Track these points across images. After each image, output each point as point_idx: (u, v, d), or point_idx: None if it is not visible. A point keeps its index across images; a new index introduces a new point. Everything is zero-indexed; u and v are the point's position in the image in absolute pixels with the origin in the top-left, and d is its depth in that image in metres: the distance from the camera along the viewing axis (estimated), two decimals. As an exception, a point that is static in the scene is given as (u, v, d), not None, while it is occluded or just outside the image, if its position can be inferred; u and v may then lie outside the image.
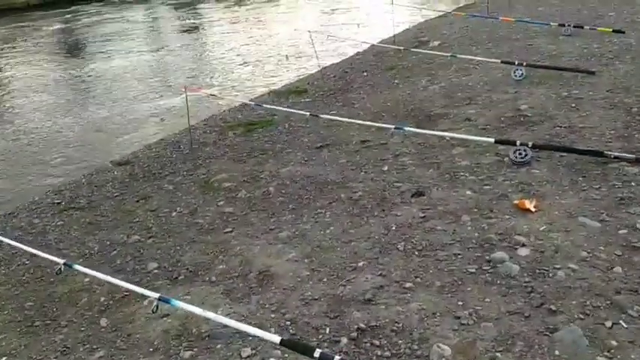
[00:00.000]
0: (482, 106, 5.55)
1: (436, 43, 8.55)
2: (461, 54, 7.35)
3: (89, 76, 12.82)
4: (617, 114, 4.82)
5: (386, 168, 4.43)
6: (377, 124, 4.76)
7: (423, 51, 7.32)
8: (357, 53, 9.77)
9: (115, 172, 5.36)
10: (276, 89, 7.96)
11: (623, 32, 7.32)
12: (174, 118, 7.68)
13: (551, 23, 7.87)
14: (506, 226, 3.32)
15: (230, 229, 3.77)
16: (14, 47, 17.75)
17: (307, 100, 7.03)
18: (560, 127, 4.73)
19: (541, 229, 3.24)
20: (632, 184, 3.63)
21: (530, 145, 4.16)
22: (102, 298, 3.17)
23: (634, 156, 3.92)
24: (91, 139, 7.66)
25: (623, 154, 3.95)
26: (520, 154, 4.14)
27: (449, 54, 6.88)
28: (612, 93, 5.34)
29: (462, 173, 4.12)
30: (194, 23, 20.83)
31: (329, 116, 4.96)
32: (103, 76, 12.50)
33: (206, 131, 6.27)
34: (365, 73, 7.71)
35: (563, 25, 7.71)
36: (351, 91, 7.04)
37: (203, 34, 17.97)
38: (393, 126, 4.52)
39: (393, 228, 3.48)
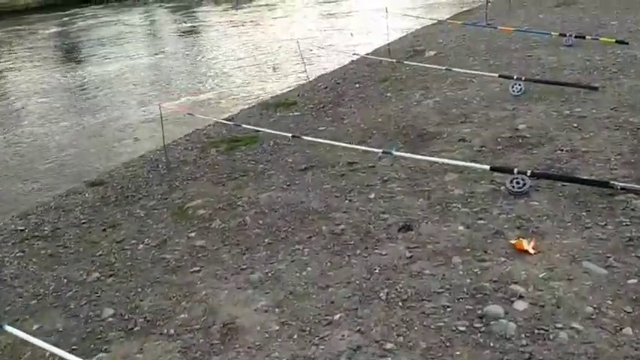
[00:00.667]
0: (478, 124, 5.18)
1: (432, 52, 8.18)
2: (457, 66, 6.98)
3: (84, 80, 12.60)
4: (622, 136, 4.45)
5: (373, 195, 4.05)
6: (363, 148, 4.38)
7: (417, 64, 6.94)
8: (351, 62, 9.39)
9: (87, 195, 4.98)
10: (265, 100, 7.59)
11: (627, 43, 6.96)
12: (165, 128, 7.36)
13: (552, 33, 7.50)
14: (502, 272, 2.94)
15: (198, 268, 3.40)
16: (10, 51, 17.42)
17: (296, 113, 6.65)
18: (562, 150, 4.35)
19: (540, 275, 2.86)
20: (642, 221, 3.25)
21: (528, 174, 3.78)
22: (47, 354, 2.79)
23: (643, 188, 3.54)
24: (82, 148, 7.46)
25: (631, 186, 3.57)
26: (517, 183, 3.76)
27: (444, 67, 6.50)
28: (617, 111, 4.97)
29: (454, 204, 3.74)
30: (190, 27, 20.51)
31: (312, 138, 4.58)
32: (98, 81, 12.23)
33: (188, 147, 5.90)
34: (357, 85, 7.33)
35: (564, 35, 7.34)
36: (342, 105, 6.67)
37: (198, 39, 17.64)
38: (381, 150, 4.14)
39: (377, 270, 3.11)
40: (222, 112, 8.32)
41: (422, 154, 4.65)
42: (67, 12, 27.13)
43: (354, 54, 7.43)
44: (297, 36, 15.02)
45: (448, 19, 10.76)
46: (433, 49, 8.33)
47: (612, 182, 3.62)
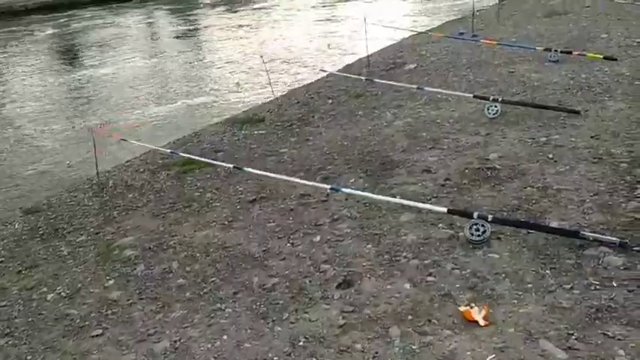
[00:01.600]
0: (447, 151, 4.66)
1: (412, 65, 7.66)
2: (436, 80, 6.53)
3: (79, 83, 12.37)
4: (601, 171, 3.93)
5: (318, 239, 3.54)
6: (310, 183, 3.87)
7: (387, 82, 6.41)
8: (329, 75, 8.89)
9: (17, 225, 4.49)
10: (235, 115, 7.08)
11: (615, 59, 6.43)
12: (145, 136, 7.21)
13: (537, 47, 6.96)
14: (444, 351, 2.44)
15: (101, 331, 2.90)
16: (5, 52, 17.03)
17: (261, 131, 6.14)
18: (533, 187, 3.84)
19: (489, 358, 2.35)
20: (614, 284, 2.74)
21: (489, 220, 3.27)
22: None
23: (618, 239, 3.03)
24: (67, 154, 7.14)
25: (605, 237, 3.06)
26: (477, 230, 3.25)
27: (415, 85, 5.97)
28: (598, 140, 4.45)
29: (404, 254, 3.23)
30: (185, 30, 20.02)
31: (253, 170, 4.05)
32: (92, 84, 11.93)
33: (139, 169, 5.40)
34: (330, 101, 6.82)
35: (550, 50, 6.80)
36: (311, 123, 6.15)
37: (190, 44, 17.16)
38: (329, 186, 3.64)
39: (301, 343, 2.61)
40: (194, 125, 7.89)
41: (381, 185, 4.16)
42: (65, 13, 26.69)
43: (322, 70, 6.91)
44: (284, 43, 14.63)
45: (433, 29, 10.25)
46: (414, 62, 7.80)
47: (583, 233, 3.11)
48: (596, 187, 3.72)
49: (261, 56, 6.77)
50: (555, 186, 3.79)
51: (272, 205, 4.14)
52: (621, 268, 2.86)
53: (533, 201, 3.65)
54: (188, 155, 4.78)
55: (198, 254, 3.55)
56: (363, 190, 4.10)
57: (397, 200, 3.54)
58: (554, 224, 3.34)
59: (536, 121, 4.98)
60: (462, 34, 9.40)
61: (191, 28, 20.68)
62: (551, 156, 4.26)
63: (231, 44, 15.95)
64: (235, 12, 24.11)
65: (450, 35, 8.33)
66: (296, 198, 4.18)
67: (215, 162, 4.30)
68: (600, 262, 2.92)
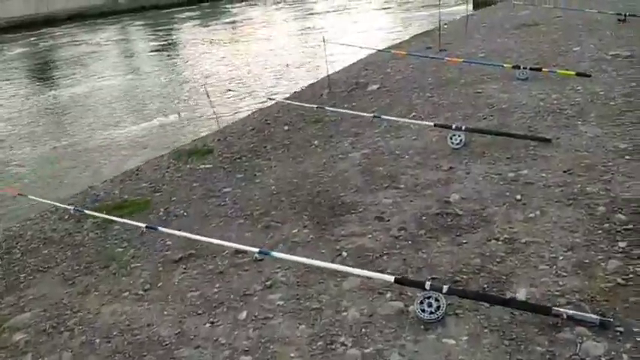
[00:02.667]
0: (404, 191, 4.06)
1: (375, 86, 7.07)
2: (398, 103, 5.95)
3: (50, 103, 12.13)
4: (576, 216, 3.34)
5: (244, 315, 2.91)
6: (237, 246, 3.23)
7: (340, 110, 5.79)
8: (295, 93, 8.30)
9: None
10: (182, 146, 6.43)
11: (589, 76, 5.89)
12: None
13: (504, 65, 6.41)
14: None
15: None
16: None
17: (207, 165, 5.50)
18: (498, 239, 3.23)
19: None
20: (595, 384, 2.14)
21: (444, 291, 2.66)
22: None
23: (597, 317, 2.43)
24: (37, 176, 7.24)
25: (582, 315, 2.45)
26: (430, 304, 2.63)
27: (372, 114, 5.36)
28: (571, 175, 3.87)
29: (342, 339, 2.61)
30: (159, 46, 19.39)
31: (167, 230, 3.39)
32: (64, 104, 11.76)
33: (63, 217, 4.73)
34: (286, 127, 6.20)
35: (518, 68, 6.24)
36: (262, 155, 5.53)
37: (164, 60, 16.57)
38: (257, 250, 3.00)
39: None
40: (164, 145, 7.48)
41: (327, 237, 3.53)
42: (35, 32, 25.87)
43: (270, 98, 6.28)
44: (251, 61, 14.08)
45: (401, 43, 9.71)
46: (377, 82, 7.22)
47: (556, 309, 2.50)
48: (570, 238, 3.13)
49: (204, 85, 6.11)
50: (524, 238, 3.19)
51: (199, 267, 3.49)
52: (604, 358, 2.26)
53: (498, 259, 3.05)
54: (92, 213, 4.07)
55: (97, 340, 2.89)
56: (305, 242, 3.49)
57: (336, 267, 2.91)
58: (521, 292, 2.73)
59: (504, 152, 4.40)
60: (429, 48, 8.87)
61: (164, 43, 20.07)
62: (519, 197, 3.66)
63: (203, 60, 15.42)
64: (207, 26, 23.51)
65: (412, 53, 7.72)
66: (229, 256, 3.54)
67: (127, 221, 3.60)
68: (577, 349, 2.32)
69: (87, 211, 4.00)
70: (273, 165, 5.18)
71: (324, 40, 6.90)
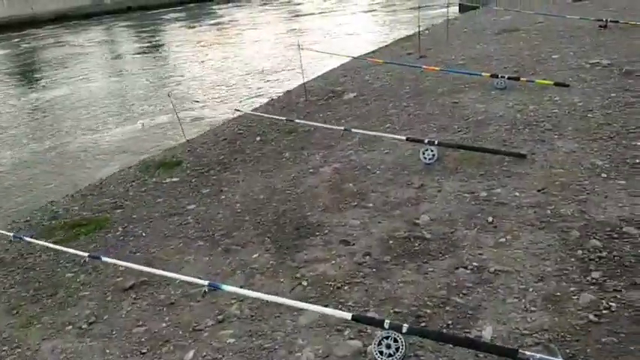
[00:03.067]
0: (373, 211, 3.84)
1: (352, 95, 6.85)
2: (372, 115, 5.72)
3: (32, 106, 11.88)
4: (549, 242, 3.14)
5: (190, 356, 2.67)
6: (185, 278, 2.98)
7: (309, 123, 5.55)
8: (271, 101, 8.06)
9: None
10: (151, 157, 6.16)
11: (567, 85, 5.73)
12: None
13: (483, 73, 6.21)
14: None
15: None
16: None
17: (175, 179, 5.25)
18: (466, 268, 3.03)
19: None
20: None
21: (404, 330, 2.44)
22: None
23: (567, 363, 2.22)
24: (15, 183, 7.08)
25: (550, 359, 2.24)
26: (388, 345, 2.41)
27: (342, 127, 5.13)
28: (546, 195, 3.67)
29: (292, 385, 2.38)
30: (144, 48, 19.06)
31: (112, 260, 3.12)
32: (49, 106, 11.53)
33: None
34: (259, 138, 5.96)
35: (497, 76, 6.05)
36: (231, 168, 5.29)
37: (149, 62, 16.27)
38: (207, 283, 2.76)
39: None
40: (129, 157, 7.24)
41: (288, 262, 3.31)
42: (19, 33, 25.40)
43: (236, 110, 6.02)
44: (231, 65, 13.84)
45: (381, 48, 9.50)
46: (354, 90, 7.00)
47: (522, 352, 2.29)
48: (541, 267, 2.93)
49: (169, 95, 5.84)
50: (493, 266, 2.99)
51: (150, 296, 3.25)
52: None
53: (465, 290, 2.84)
54: (32, 241, 3.78)
55: (31, 384, 2.64)
56: (265, 269, 3.26)
57: (291, 303, 2.68)
58: (487, 330, 2.52)
59: (477, 168, 4.20)
60: (409, 54, 8.68)
61: (149, 45, 19.74)
62: (490, 219, 3.46)
63: (187, 62, 15.14)
64: (192, 27, 23.20)
65: (389, 61, 7.51)
66: (182, 284, 3.29)
67: (65, 249, 3.31)
68: (545, 402, 2.11)
69: (27, 239, 3.72)
70: (241, 179, 4.95)
71: (299, 47, 6.64)
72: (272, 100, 8.04)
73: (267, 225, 3.92)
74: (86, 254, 3.08)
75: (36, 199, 6.35)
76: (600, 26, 8.17)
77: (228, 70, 13.43)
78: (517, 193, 3.74)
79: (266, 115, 5.89)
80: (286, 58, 13.21)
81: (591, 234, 3.15)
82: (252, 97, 10.30)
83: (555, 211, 3.45)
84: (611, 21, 8.14)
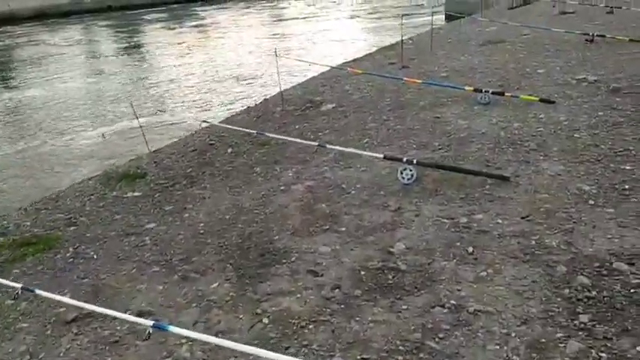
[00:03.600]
0: (345, 236, 3.57)
1: (330, 106, 6.60)
2: (349, 129, 5.47)
3: (6, 106, 11.59)
4: (533, 278, 2.91)
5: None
6: (128, 318, 2.67)
7: (281, 137, 5.27)
8: (247, 109, 7.77)
9: None
10: (114, 169, 5.82)
11: (553, 102, 5.55)
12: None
13: (466, 87, 6.00)
14: None
15: None
16: None
17: (137, 193, 4.94)
18: (443, 306, 2.77)
19: None
20: None
21: (371, 385, 2.16)
22: None
23: None
24: None
25: None
26: (353, 402, 2.13)
27: (316, 143, 4.85)
28: (530, 222, 3.45)
29: None
30: (123, 48, 18.65)
31: (48, 295, 2.77)
32: (22, 107, 11.23)
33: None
34: (230, 150, 5.67)
35: (480, 91, 5.85)
36: (198, 182, 5.00)
37: (128, 62, 15.87)
38: (151, 323, 2.45)
39: None
40: (99, 163, 6.94)
41: (249, 294, 3.02)
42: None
43: (204, 122, 5.71)
44: (205, 70, 13.53)
45: (360, 58, 9.28)
46: (333, 101, 6.75)
47: (503, 414, 2.03)
48: (525, 308, 2.68)
49: (131, 104, 5.52)
50: (472, 305, 2.74)
51: (93, 332, 2.93)
52: None
53: (441, 334, 2.58)
54: None
55: None
56: (223, 302, 2.97)
57: (244, 349, 2.38)
58: (465, 384, 2.26)
59: (458, 191, 3.96)
60: (392, 64, 8.47)
61: (128, 46, 19.32)
62: (470, 250, 3.22)
63: (167, 63, 14.80)
64: (173, 29, 22.83)
65: (370, 72, 7.27)
66: (127, 325, 2.97)
67: (3, 280, 2.97)
68: None
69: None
70: (207, 196, 4.65)
71: (275, 54, 6.37)
72: (248, 108, 7.75)
73: (230, 249, 3.63)
74: (19, 285, 2.74)
75: (2, 205, 6.06)
76: (587, 40, 8.05)
77: (206, 74, 13.12)
78: (499, 220, 3.51)
79: (234, 128, 5.57)
80: (266, 64, 12.91)
81: (579, 270, 2.92)
82: (229, 104, 10.02)
83: (540, 242, 3.22)
84: (597, 35, 8.03)
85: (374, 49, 12.04)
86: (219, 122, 6.49)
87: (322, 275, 3.17)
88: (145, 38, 21.33)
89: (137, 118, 5.25)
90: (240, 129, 5.50)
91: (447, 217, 3.63)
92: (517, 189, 3.89)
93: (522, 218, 3.51)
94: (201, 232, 3.96)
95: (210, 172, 5.19)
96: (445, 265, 3.10)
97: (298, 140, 4.90)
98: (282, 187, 4.51)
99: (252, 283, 3.18)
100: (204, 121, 5.57)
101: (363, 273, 3.13)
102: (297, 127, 6.06)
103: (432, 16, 10.80)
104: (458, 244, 3.31)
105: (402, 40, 8.38)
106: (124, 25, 24.79)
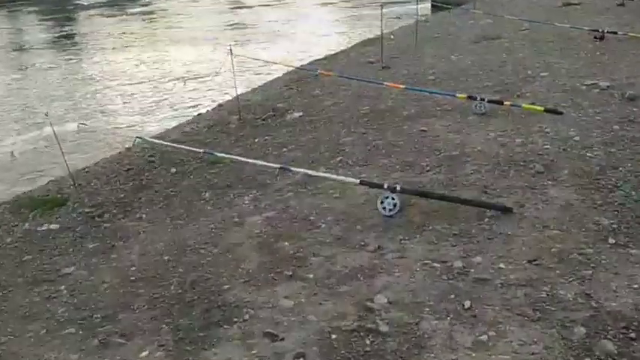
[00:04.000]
0: (313, 284, 3.34)
1: (297, 114, 6.39)
2: (320, 145, 5.26)
3: None
4: (546, 342, 2.70)
5: None
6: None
7: (235, 157, 4.95)
8: (198, 117, 7.49)
9: None
10: (26, 193, 5.46)
11: (561, 113, 5.45)
12: None
13: (458, 94, 5.86)
14: None
15: None
16: None
17: (53, 225, 4.61)
18: (434, 385, 2.52)
19: None
20: None
21: None
22: None
23: None
24: None
25: None
26: None
27: (278, 165, 4.57)
28: (539, 268, 3.26)
29: None
30: (55, 39, 18.15)
31: None
32: None
33: None
34: (174, 170, 5.37)
35: (475, 99, 5.71)
36: (133, 211, 4.71)
37: (60, 56, 15.36)
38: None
39: None
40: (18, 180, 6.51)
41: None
42: None
43: (139, 137, 5.38)
44: (138, 73, 13.20)
45: (333, 56, 9.12)
46: (300, 108, 6.55)
47: None
48: (538, 387, 2.46)
49: (46, 114, 5.19)
50: (471, 383, 2.50)
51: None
52: None
53: None
54: None
55: None
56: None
57: None
58: None
59: (450, 225, 3.76)
60: (370, 63, 8.31)
61: (60, 35, 18.81)
62: (468, 304, 3.00)
63: (104, 58, 14.39)
64: (113, 16, 22.40)
65: (343, 76, 7.07)
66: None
67: None
68: None
69: None
70: (142, 229, 4.36)
71: (230, 52, 6.11)
72: (199, 115, 7.48)
73: (167, 303, 3.34)
74: None
75: None
76: (595, 37, 8.05)
77: (151, 71, 12.75)
78: (502, 265, 3.31)
79: (175, 146, 5.26)
80: (222, 60, 12.63)
81: (601, 331, 2.72)
82: (175, 110, 9.65)
83: (553, 294, 3.02)
84: (608, 32, 8.02)
85: (350, 43, 11.92)
86: (159, 135, 6.18)
87: (282, 339, 2.90)
88: (79, 27, 20.84)
89: (53, 129, 4.86)
90: (181, 147, 5.18)
91: (437, 259, 3.42)
92: (522, 223, 3.71)
93: (529, 262, 3.31)
94: (132, 278, 3.66)
95: (147, 197, 4.90)
96: (436, 326, 2.87)
97: (255, 161, 4.63)
98: (235, 219, 4.24)
99: (193, 351, 2.90)
100: (139, 137, 5.22)
101: (334, 337, 2.88)
102: (256, 140, 5.83)
103: (417, 4, 10.69)
104: (452, 296, 3.09)
105: (382, 35, 8.21)
106: (55, 12, 24.20)
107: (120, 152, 6.20)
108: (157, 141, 5.44)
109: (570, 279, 3.13)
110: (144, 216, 4.57)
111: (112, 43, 16.79)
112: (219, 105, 7.69)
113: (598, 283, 3.07)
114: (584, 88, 6.15)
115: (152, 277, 3.63)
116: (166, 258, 3.84)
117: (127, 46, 16.12)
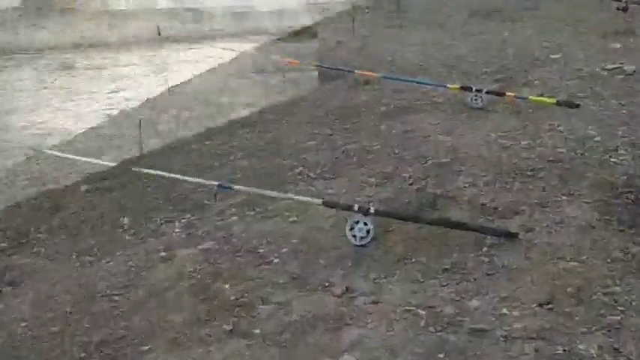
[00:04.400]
0: (261, 343, 3.17)
1: (246, 112, 6.28)
2: (275, 153, 5.12)
3: None
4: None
5: None
6: None
7: (165, 174, 4.75)
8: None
9: None
10: None
11: (577, 105, 5.53)
12: None
13: (449, 85, 5.86)
14: None
15: None
16: None
17: None
18: None
19: None
20: None
21: None
22: None
23: None
24: None
25: None
26: None
27: (216, 182, 4.39)
28: (552, 313, 3.16)
29: None
30: None
31: None
32: None
33: None
34: (85, 187, 5.28)
35: (471, 90, 5.71)
36: (28, 244, 4.68)
37: None
38: None
39: None
40: None
41: None
42: None
43: (33, 149, 5.27)
44: None
45: (287, 37, 9.05)
46: (251, 105, 6.50)
47: None
48: None
49: None
50: None
51: None
52: None
53: None
54: None
55: None
56: None
57: None
58: None
59: (440, 257, 3.67)
60: (340, 44, 8.26)
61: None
62: (463, 367, 2.85)
63: None
64: None
65: (307, 62, 6.99)
66: None
67: None
68: None
69: None
70: (40, 268, 4.30)
71: (158, 32, 5.96)
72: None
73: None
74: None
75: None
76: (618, 8, 8.10)
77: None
78: (505, 310, 3.20)
79: (77, 158, 5.13)
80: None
81: (634, 399, 2.59)
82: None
83: (571, 349, 2.89)
84: (633, 2, 8.08)
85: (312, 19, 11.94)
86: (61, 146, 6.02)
87: None
88: None
89: None
90: (88, 160, 5.05)
91: (423, 304, 3.29)
92: (531, 253, 3.64)
93: (540, 305, 3.20)
94: (19, 339, 3.47)
95: (50, 225, 4.76)
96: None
97: (185, 178, 4.46)
98: (162, 254, 4.14)
99: None
100: (34, 149, 5.08)
101: None
102: (193, 147, 5.70)
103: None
104: (441, 355, 2.93)
105: (354, 7, 8.25)
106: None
107: (13, 164, 6.06)
108: (55, 152, 5.25)
109: (593, 328, 3.01)
110: (43, 250, 4.55)
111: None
112: (149, 99, 7.58)
113: (628, 332, 2.96)
114: (606, 73, 6.28)
115: (45, 338, 3.44)
116: (67, 309, 3.69)
117: None
